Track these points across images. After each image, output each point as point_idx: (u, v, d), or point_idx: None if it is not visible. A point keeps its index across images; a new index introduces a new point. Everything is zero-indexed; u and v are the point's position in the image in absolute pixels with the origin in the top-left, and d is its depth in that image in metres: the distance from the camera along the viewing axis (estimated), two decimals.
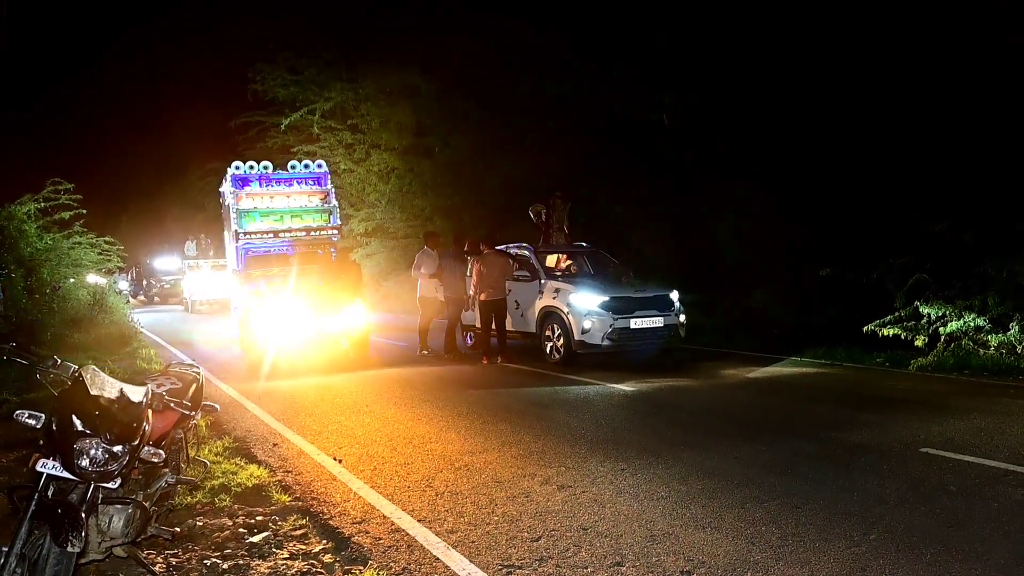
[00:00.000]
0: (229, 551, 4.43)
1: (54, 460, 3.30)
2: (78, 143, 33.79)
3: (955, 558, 3.76)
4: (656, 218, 15.85)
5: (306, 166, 13.93)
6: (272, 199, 13.46)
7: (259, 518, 4.92)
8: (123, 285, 32.34)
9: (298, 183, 13.78)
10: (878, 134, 12.09)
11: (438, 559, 4.10)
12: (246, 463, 6.04)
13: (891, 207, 11.47)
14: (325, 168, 14.19)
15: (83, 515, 3.25)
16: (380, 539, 4.44)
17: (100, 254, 17.26)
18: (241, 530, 4.74)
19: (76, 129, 34.24)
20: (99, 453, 3.33)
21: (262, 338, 10.81)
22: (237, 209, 13.12)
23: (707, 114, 15.13)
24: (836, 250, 11.75)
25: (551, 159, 16.70)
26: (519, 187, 16.84)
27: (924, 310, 9.51)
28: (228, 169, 13.59)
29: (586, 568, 3.89)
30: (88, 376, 3.44)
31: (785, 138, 13.59)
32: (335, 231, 13.88)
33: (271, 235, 13.25)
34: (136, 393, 3.57)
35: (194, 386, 4.62)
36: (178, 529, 4.47)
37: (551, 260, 11.94)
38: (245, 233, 13.07)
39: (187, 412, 4.11)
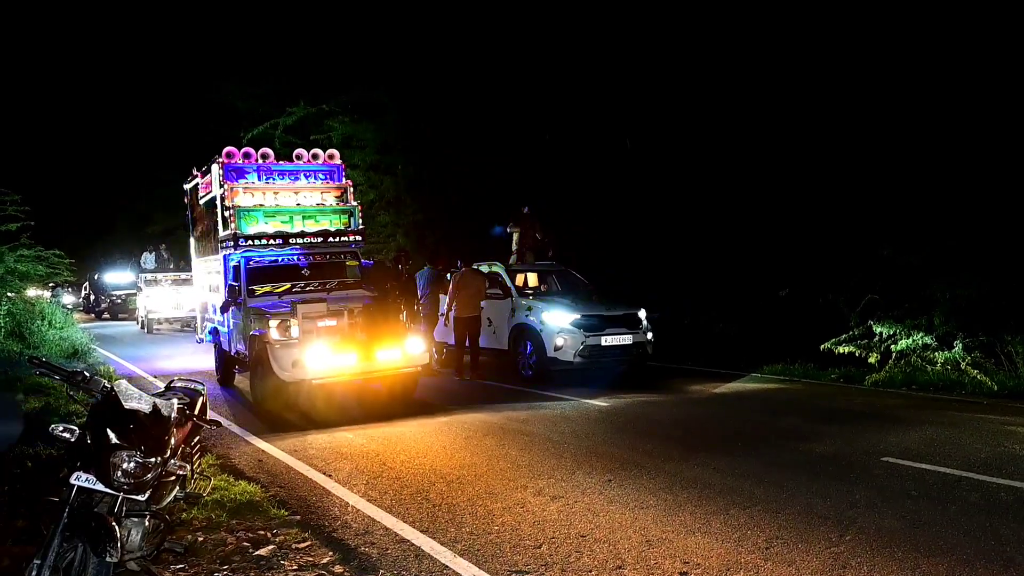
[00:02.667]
0: (236, 564, 4.53)
1: (87, 473, 3.40)
2: (21, 152, 32.18)
3: (923, 555, 4.15)
4: (618, 238, 16.33)
5: (314, 156, 10.96)
6: (276, 195, 10.47)
7: (260, 532, 5.03)
8: (67, 299, 31.11)
9: (307, 177, 10.86)
10: (833, 166, 12.81)
11: (447, 567, 4.29)
12: (235, 478, 6.11)
13: (845, 232, 12.15)
14: (339, 160, 11.20)
15: (115, 525, 3.36)
16: (387, 549, 4.61)
17: (50, 268, 16.79)
18: (244, 544, 4.85)
19: (20, 138, 32.63)
20: (133, 465, 3.45)
21: (296, 379, 8.37)
22: (232, 207, 10.00)
23: (668, 140, 15.71)
24: (793, 272, 12.38)
25: (515, 176, 17.04)
26: (482, 204, 17.12)
27: (877, 329, 10.11)
28: (215, 159, 10.55)
29: (590, 572, 4.14)
30: (121, 390, 3.56)
31: (745, 166, 14.26)
32: (358, 238, 10.74)
33: (279, 241, 10.10)
34: (166, 408, 3.69)
35: (200, 400, 4.75)
36: (188, 542, 4.56)
37: (521, 279, 12.23)
38: (244, 238, 9.86)
39: (206, 425, 4.22)
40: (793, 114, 13.46)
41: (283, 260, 10.18)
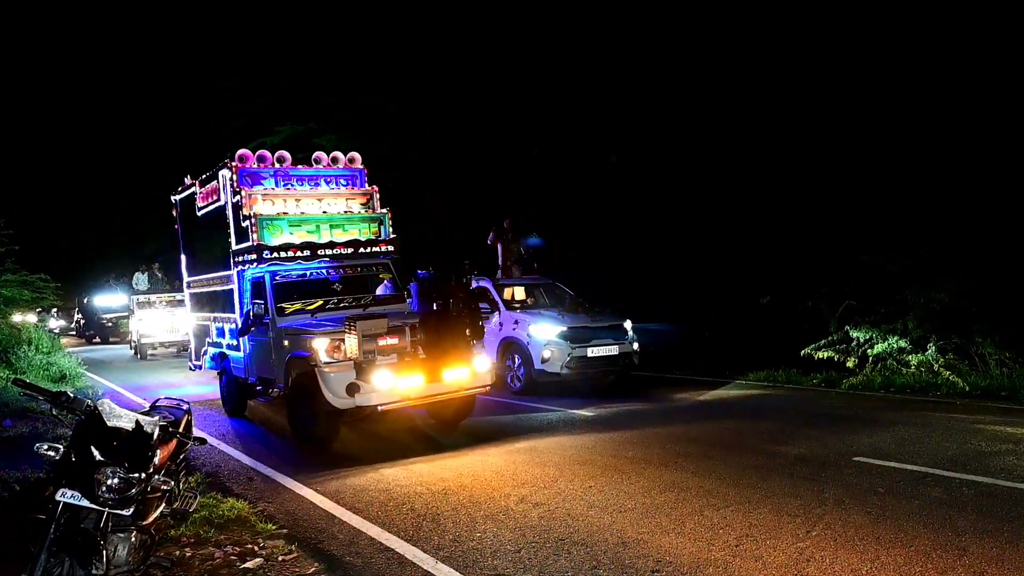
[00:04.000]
0: None
1: (73, 489, 3.54)
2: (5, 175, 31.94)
3: (884, 547, 4.32)
4: (617, 239, 16.50)
5: (334, 160, 9.97)
6: (299, 203, 9.44)
7: (247, 545, 5.15)
8: (53, 323, 30.90)
9: (327, 182, 9.84)
10: (814, 177, 13.11)
11: (429, 573, 4.43)
12: (223, 496, 6.23)
13: (824, 240, 12.42)
14: (360, 163, 10.15)
15: (101, 540, 3.49)
16: (371, 559, 4.75)
17: (35, 293, 16.79)
18: (232, 558, 4.97)
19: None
20: (117, 481, 3.58)
21: (352, 406, 7.44)
22: (252, 216, 8.94)
23: (655, 149, 15.99)
24: (775, 279, 12.60)
25: (496, 185, 17.26)
26: (464, 212, 17.28)
27: (854, 334, 10.34)
28: (224, 163, 9.53)
29: (566, 573, 4.29)
30: (105, 409, 3.70)
31: (727, 176, 14.54)
32: (390, 248, 9.59)
33: (306, 253, 9.03)
34: (149, 424, 3.84)
35: (185, 419, 4.89)
36: (175, 557, 4.68)
37: (509, 293, 12.41)
38: (270, 250, 8.79)
39: (190, 442, 4.36)
40: (775, 127, 13.76)
41: (312, 274, 9.20)
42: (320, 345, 7.56)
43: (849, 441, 6.92)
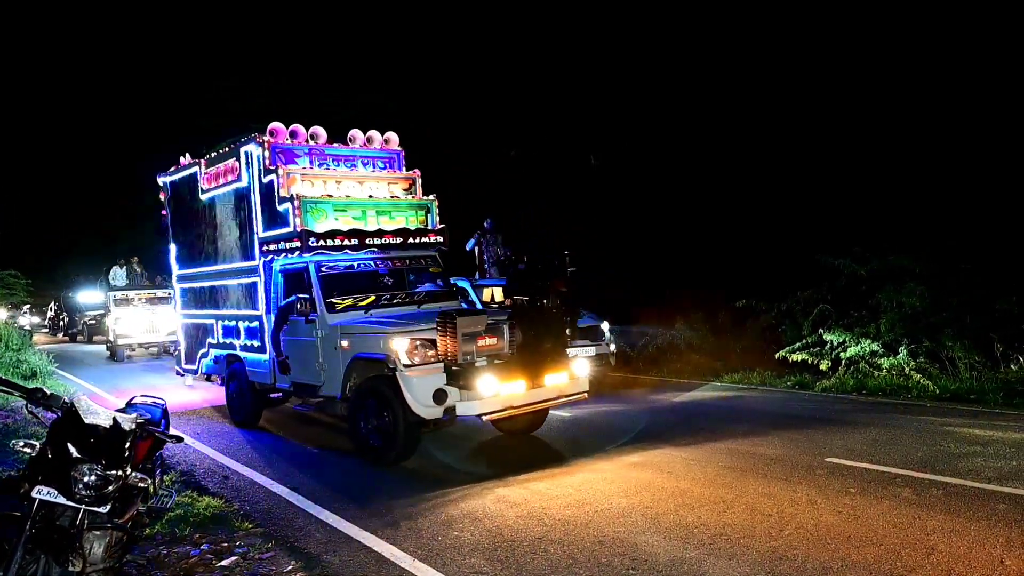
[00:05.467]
0: (200, 575, 4.63)
1: (49, 486, 3.51)
2: None
3: (854, 546, 4.42)
4: (617, 240, 16.60)
5: (369, 140, 9.05)
6: (339, 184, 8.48)
7: (224, 544, 5.13)
8: (24, 320, 30.13)
9: (364, 164, 8.95)
10: (786, 183, 13.32)
11: (406, 571, 4.45)
12: (199, 495, 6.19)
13: (797, 245, 12.61)
14: (396, 144, 9.26)
15: (77, 537, 3.47)
16: (348, 558, 4.75)
17: (5, 289, 16.48)
18: (209, 556, 4.94)
19: None
20: (94, 478, 3.56)
21: (439, 416, 6.57)
22: (292, 198, 7.94)
23: (631, 156, 16.15)
24: (749, 283, 12.77)
25: (496, 185, 17.32)
26: (464, 212, 17.32)
27: (827, 337, 10.52)
28: (249, 136, 8.54)
29: (544, 571, 4.32)
30: (82, 406, 3.67)
31: (702, 181, 14.72)
32: (440, 239, 8.81)
33: (354, 242, 8.12)
34: (126, 422, 3.81)
35: (162, 416, 4.85)
36: (151, 556, 4.65)
37: (488, 294, 12.41)
38: (316, 236, 7.84)
39: (167, 440, 4.33)
40: (752, 133, 13.96)
41: (360, 266, 8.28)
42: (400, 345, 6.66)
43: (822, 442, 7.04)
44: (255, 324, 8.77)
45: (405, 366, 6.59)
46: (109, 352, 20.14)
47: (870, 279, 10.61)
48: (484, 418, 6.70)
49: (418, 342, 6.73)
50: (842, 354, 10.36)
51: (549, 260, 8.47)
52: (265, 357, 8.58)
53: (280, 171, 8.17)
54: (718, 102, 14.59)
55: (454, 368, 6.55)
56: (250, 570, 4.66)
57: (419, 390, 6.49)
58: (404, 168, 9.21)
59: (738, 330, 13.17)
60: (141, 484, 3.97)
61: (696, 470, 6.29)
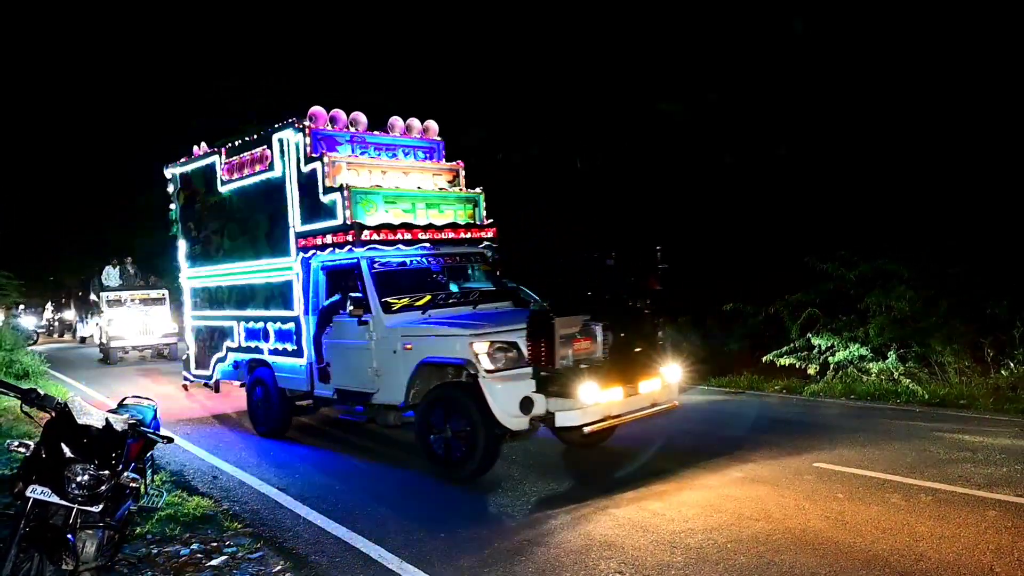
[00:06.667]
0: (190, 574, 4.63)
1: (43, 486, 3.51)
2: None
3: (843, 551, 4.46)
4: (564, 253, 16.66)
5: (408, 128, 8.56)
6: (384, 175, 7.99)
7: (214, 544, 5.12)
8: (29, 321, 29.48)
9: (404, 153, 8.42)
10: (774, 185, 13.40)
11: (392, 571, 4.47)
12: (188, 494, 6.18)
13: (785, 247, 12.67)
14: (436, 133, 8.81)
15: (70, 536, 3.48)
16: (336, 558, 4.76)
17: None
18: (198, 556, 4.94)
19: None
20: (87, 478, 3.56)
21: (527, 427, 6.05)
22: (342, 188, 7.38)
23: (630, 157, 16.21)
24: (737, 287, 12.83)
25: (497, 185, 17.37)
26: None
27: (815, 341, 10.57)
28: (288, 122, 7.95)
29: (530, 572, 4.35)
30: (75, 407, 3.68)
31: (693, 183, 14.78)
32: (490, 235, 8.35)
33: (407, 236, 7.54)
34: (118, 423, 3.81)
35: (153, 416, 4.86)
36: (141, 553, 4.65)
37: None
38: (367, 230, 7.24)
39: (158, 440, 4.33)
40: (741, 135, 14.03)
41: (412, 263, 7.76)
42: (481, 348, 6.13)
43: (810, 447, 7.08)
44: (288, 326, 8.16)
45: (488, 371, 6.04)
46: (101, 354, 19.52)
47: (858, 283, 10.67)
48: (587, 429, 6.05)
49: (499, 345, 6.19)
50: (830, 358, 10.41)
51: (639, 255, 7.71)
52: (300, 362, 7.98)
53: (325, 159, 7.58)
54: (712, 103, 14.67)
55: (548, 374, 5.91)
56: (239, 569, 4.67)
57: (505, 398, 5.93)
58: (443, 158, 8.72)
59: (726, 333, 13.23)
60: (133, 484, 3.99)
61: (682, 473, 6.29)
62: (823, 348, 10.50)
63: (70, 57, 31.32)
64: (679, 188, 15.18)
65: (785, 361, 10.75)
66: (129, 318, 18.82)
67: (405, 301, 7.30)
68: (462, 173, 8.65)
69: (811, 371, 10.51)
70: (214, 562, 4.79)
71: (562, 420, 5.97)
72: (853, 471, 6.18)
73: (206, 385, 10.04)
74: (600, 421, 6.03)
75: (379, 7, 21.18)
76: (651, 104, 15.48)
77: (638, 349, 6.57)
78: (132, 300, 19.42)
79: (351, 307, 7.01)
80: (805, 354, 10.70)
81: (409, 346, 6.76)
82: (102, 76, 30.03)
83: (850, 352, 10.20)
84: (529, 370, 6.02)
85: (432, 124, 8.77)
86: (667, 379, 6.76)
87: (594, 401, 5.95)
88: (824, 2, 13.02)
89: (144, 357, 19.23)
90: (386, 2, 21.24)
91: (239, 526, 5.45)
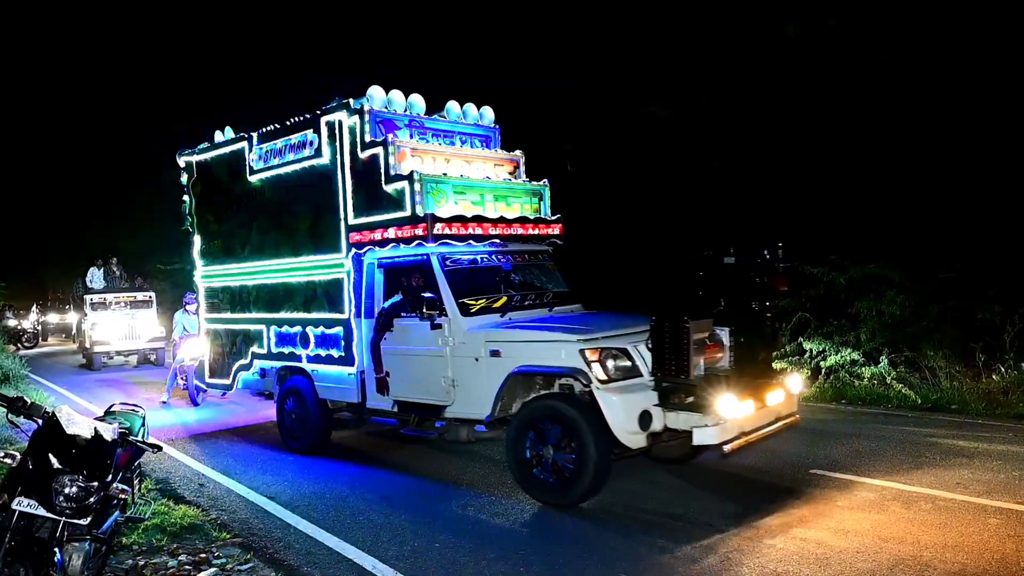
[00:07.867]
0: None
1: (29, 498, 3.37)
2: None
3: (846, 560, 4.39)
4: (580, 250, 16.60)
5: (463, 115, 7.88)
6: (448, 163, 7.28)
7: (202, 555, 4.99)
8: (27, 323, 28.78)
9: (462, 140, 7.73)
10: (763, 189, 13.41)
11: None
12: (175, 503, 6.03)
13: (776, 250, 12.67)
14: (491, 120, 8.12)
15: (57, 549, 3.35)
16: (329, 569, 4.64)
17: None
18: (187, 567, 4.80)
19: None
20: (75, 490, 3.43)
21: (646, 444, 5.46)
22: (411, 176, 6.62)
23: (603, 163, 16.20)
24: (730, 289, 12.81)
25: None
26: None
27: (807, 345, 10.56)
28: (340, 102, 7.18)
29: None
30: (63, 416, 3.54)
31: (677, 188, 14.79)
32: (557, 232, 7.72)
33: (478, 231, 6.90)
34: (108, 432, 3.67)
35: (141, 425, 4.73)
36: (128, 565, 4.52)
37: None
38: (440, 223, 6.57)
39: (147, 449, 4.19)
40: (732, 139, 14.03)
41: (483, 260, 7.06)
42: (592, 356, 5.52)
43: (805, 454, 7.02)
44: (335, 330, 7.37)
45: (601, 382, 5.44)
46: (84, 359, 18.58)
47: (849, 287, 10.68)
48: (727, 448, 5.26)
49: (611, 352, 5.59)
50: (822, 363, 10.41)
51: (760, 253, 6.80)
52: (349, 370, 7.25)
53: (391, 143, 6.80)
54: (706, 105, 14.65)
55: (675, 385, 5.34)
56: None
57: (623, 412, 5.30)
58: (499, 147, 8.05)
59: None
60: (122, 495, 3.85)
61: (678, 481, 6.25)
62: (814, 352, 10.50)
63: (56, 57, 30.95)
64: (672, 188, 15.18)
65: (776, 366, 10.72)
66: (114, 321, 17.83)
67: (483, 303, 6.60)
68: (523, 164, 8.00)
69: (802, 375, 10.49)
70: (203, 574, 4.66)
71: (700, 438, 5.24)
72: (850, 478, 6.14)
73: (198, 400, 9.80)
74: (737, 438, 5.34)
75: (379, 7, 21.05)
76: (642, 105, 15.47)
77: (762, 356, 6.03)
78: (117, 302, 18.40)
79: (425, 309, 6.36)
80: (796, 359, 10.70)
81: (499, 353, 6.04)
82: (108, 78, 29.75)
83: (841, 356, 10.20)
84: (644, 380, 5.51)
85: (488, 110, 8.09)
86: (790, 389, 6.11)
87: (732, 416, 5.29)
88: (813, 6, 13.06)
89: (129, 363, 18.48)
90: (386, 2, 21.13)
91: (228, 536, 5.31)
